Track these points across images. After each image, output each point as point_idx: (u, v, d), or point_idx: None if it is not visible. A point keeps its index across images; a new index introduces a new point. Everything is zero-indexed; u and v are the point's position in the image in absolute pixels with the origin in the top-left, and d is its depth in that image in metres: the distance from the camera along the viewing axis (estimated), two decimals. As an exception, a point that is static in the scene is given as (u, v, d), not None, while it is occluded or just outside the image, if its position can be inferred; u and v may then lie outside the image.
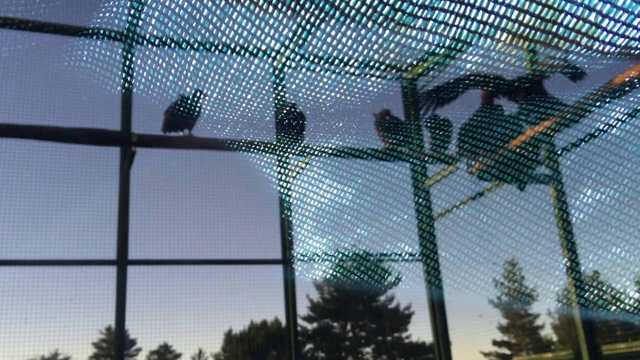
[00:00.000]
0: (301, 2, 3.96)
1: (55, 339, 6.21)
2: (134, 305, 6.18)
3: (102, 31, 6.02)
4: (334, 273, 7.51)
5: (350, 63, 6.33)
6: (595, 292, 5.72)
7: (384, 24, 3.72)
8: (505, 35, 3.61)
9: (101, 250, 6.32)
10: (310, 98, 6.49)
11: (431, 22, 3.57)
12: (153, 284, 6.49)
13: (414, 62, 7.40)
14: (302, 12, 4.23)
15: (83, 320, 6.27)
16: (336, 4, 3.73)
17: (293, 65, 7.02)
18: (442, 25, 3.57)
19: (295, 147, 6.65)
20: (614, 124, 4.88)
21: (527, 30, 3.49)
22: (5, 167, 6.24)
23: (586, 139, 5.18)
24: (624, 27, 3.25)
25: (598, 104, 4.73)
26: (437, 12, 3.45)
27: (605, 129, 4.97)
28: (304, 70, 6.93)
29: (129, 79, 6.63)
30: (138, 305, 6.21)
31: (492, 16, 3.43)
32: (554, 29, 3.42)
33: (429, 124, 6.40)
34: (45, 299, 6.14)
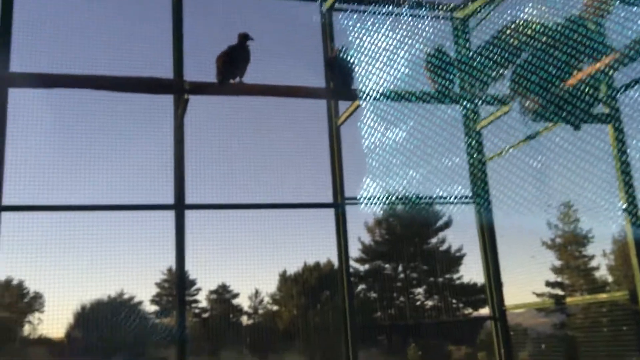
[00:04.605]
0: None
1: (121, 280, 6.56)
2: (193, 248, 6.43)
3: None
4: (386, 216, 7.56)
5: (402, 2, 6.20)
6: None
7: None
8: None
9: (160, 195, 6.56)
10: (360, 40, 6.42)
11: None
12: (211, 228, 6.72)
13: (466, 1, 7.17)
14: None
15: (146, 262, 6.59)
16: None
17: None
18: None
19: (346, 91, 6.63)
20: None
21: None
22: (65, 117, 6.48)
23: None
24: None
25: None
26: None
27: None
28: (351, 11, 6.84)
29: (180, 26, 6.70)
30: (197, 248, 6.46)
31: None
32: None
33: (480, 64, 6.24)
34: (111, 242, 6.46)
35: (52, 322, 6.30)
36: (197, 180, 6.65)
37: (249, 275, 7.13)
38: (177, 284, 6.42)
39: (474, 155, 7.18)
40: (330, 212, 6.96)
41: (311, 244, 7.16)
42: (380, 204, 6.86)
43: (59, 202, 6.25)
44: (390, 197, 7.12)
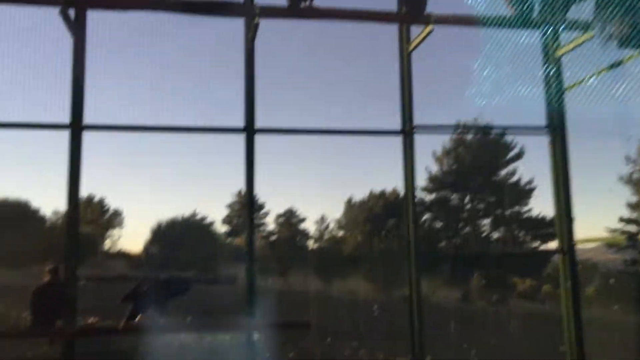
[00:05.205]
0: None
1: (194, 201, 6.86)
2: (263, 172, 6.59)
3: None
4: (455, 145, 7.43)
5: None
6: None
7: None
8: None
9: (231, 119, 6.68)
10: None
11: None
12: (280, 153, 6.85)
13: None
14: None
15: (218, 184, 6.84)
16: None
17: None
18: None
19: (419, 16, 6.41)
20: None
21: None
22: (141, 41, 6.62)
23: None
24: None
25: None
26: None
27: None
28: None
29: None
30: (266, 172, 6.62)
31: None
32: None
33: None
34: (185, 164, 6.71)
35: (131, 237, 6.69)
36: (267, 105, 6.72)
37: (316, 200, 7.29)
38: (247, 207, 6.63)
39: (552, 84, 6.87)
40: (398, 140, 6.91)
41: (378, 172, 7.22)
42: (450, 132, 6.75)
43: (137, 122, 6.51)
44: (461, 126, 6.98)
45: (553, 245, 7.22)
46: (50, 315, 4.48)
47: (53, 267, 4.54)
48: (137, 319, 4.50)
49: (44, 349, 6.32)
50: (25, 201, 6.52)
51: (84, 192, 6.19)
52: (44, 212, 6.81)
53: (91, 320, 6.69)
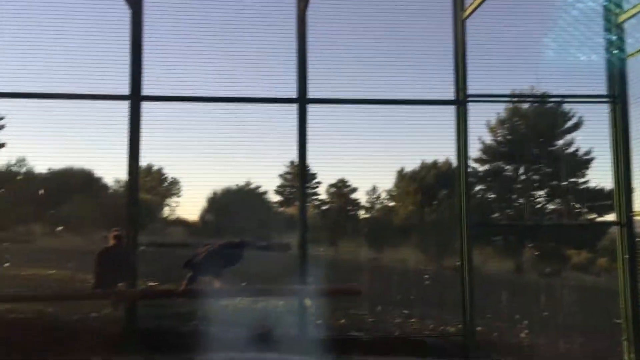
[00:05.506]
0: None
1: (248, 170, 6.98)
2: (314, 142, 6.65)
3: None
4: (510, 115, 7.31)
5: None
6: None
7: None
8: None
9: (282, 89, 6.74)
10: None
11: None
12: (332, 123, 6.88)
13: None
14: None
15: (270, 154, 6.93)
16: None
17: None
18: None
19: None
20: None
21: None
22: (196, 10, 6.72)
23: None
24: None
25: None
26: None
27: None
28: None
29: None
30: (318, 142, 6.67)
31: None
32: None
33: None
34: (239, 135, 6.83)
35: (188, 205, 6.91)
36: (319, 75, 6.74)
37: (367, 171, 7.30)
38: (299, 177, 6.73)
39: (613, 51, 6.62)
40: (451, 109, 6.84)
41: (429, 143, 7.14)
42: (505, 102, 6.62)
43: (194, 93, 6.66)
44: (516, 95, 6.84)
45: (610, 217, 7.05)
46: (112, 278, 4.65)
47: (117, 233, 4.72)
48: (195, 283, 4.68)
49: (107, 310, 6.64)
50: (89, 170, 6.82)
51: (143, 161, 6.42)
52: (106, 180, 7.10)
53: (151, 284, 6.99)
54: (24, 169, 7.31)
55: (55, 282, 6.94)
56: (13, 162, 7.37)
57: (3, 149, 7.64)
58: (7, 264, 6.76)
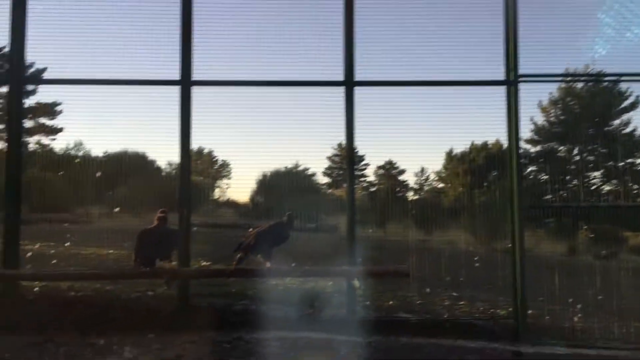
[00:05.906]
0: None
1: (296, 153, 7.05)
2: (362, 125, 6.65)
3: None
4: (563, 94, 7.11)
5: None
6: None
7: None
8: None
9: (329, 72, 6.75)
10: None
11: None
12: (380, 105, 6.85)
13: None
14: None
15: (319, 137, 6.97)
16: None
17: None
18: None
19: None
20: None
21: None
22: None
23: None
24: None
25: None
26: None
27: None
28: None
29: None
30: (366, 125, 6.67)
31: None
32: None
33: None
34: (288, 118, 6.90)
35: (238, 187, 7.03)
36: (367, 57, 6.72)
37: (416, 152, 7.26)
38: (347, 159, 6.75)
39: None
40: (502, 90, 6.70)
41: (479, 124, 7.03)
42: (558, 81, 6.42)
43: (241, 77, 6.75)
44: (570, 75, 6.64)
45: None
46: (151, 257, 4.73)
47: (162, 214, 4.79)
48: (245, 263, 4.78)
49: (162, 288, 6.86)
50: (143, 153, 7.02)
51: (194, 144, 6.56)
52: (159, 163, 7.29)
53: (204, 263, 7.17)
54: (81, 153, 7.58)
55: (113, 261, 7.20)
56: (71, 146, 7.65)
57: (61, 134, 7.93)
58: (67, 244, 7.05)
